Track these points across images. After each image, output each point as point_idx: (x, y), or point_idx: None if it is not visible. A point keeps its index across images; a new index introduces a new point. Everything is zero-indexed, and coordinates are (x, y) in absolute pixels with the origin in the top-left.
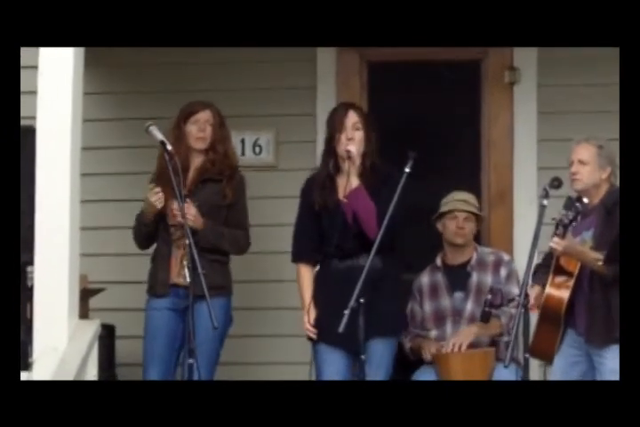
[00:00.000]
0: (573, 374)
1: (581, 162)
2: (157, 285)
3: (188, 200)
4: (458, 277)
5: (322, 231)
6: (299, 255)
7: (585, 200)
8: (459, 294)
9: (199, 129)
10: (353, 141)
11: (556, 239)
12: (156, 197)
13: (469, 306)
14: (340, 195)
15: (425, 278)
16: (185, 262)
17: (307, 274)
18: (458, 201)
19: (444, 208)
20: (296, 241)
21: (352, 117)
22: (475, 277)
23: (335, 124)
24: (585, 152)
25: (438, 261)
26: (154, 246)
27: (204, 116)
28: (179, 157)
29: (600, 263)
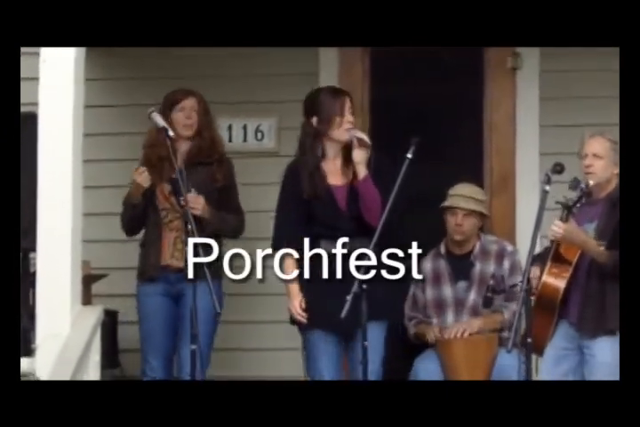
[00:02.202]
0: (563, 367)
1: (596, 156)
2: (149, 268)
3: (193, 190)
4: (461, 266)
5: (311, 218)
6: (283, 242)
7: (591, 182)
8: (462, 284)
9: (186, 116)
10: (355, 129)
11: (557, 222)
12: (142, 177)
13: (472, 296)
14: (330, 179)
15: (428, 264)
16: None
17: (291, 260)
18: (460, 196)
19: (445, 203)
20: (279, 228)
21: (348, 102)
22: (478, 267)
23: (336, 108)
24: (599, 146)
25: (442, 248)
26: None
27: (189, 103)
28: (165, 144)
29: (601, 248)
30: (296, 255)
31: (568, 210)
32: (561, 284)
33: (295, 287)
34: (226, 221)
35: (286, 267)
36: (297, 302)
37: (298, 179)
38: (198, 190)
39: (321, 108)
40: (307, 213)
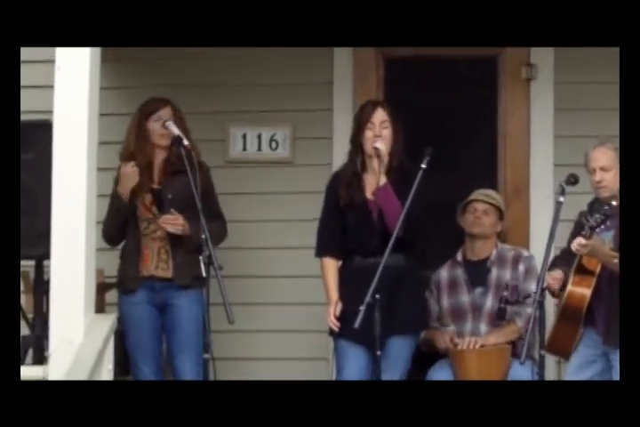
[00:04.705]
0: (587, 374)
1: (603, 169)
2: (127, 280)
3: (172, 210)
4: (478, 273)
5: (346, 228)
6: (324, 250)
7: (614, 203)
8: (478, 290)
9: (162, 126)
10: (381, 139)
11: (580, 239)
12: (133, 170)
13: (489, 302)
14: (367, 192)
15: (444, 273)
16: (201, 257)
17: (332, 268)
18: (480, 194)
19: (465, 202)
20: (321, 236)
21: (380, 115)
22: (494, 273)
23: (363, 121)
24: (604, 158)
25: (459, 256)
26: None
27: (166, 113)
28: (142, 154)
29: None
30: (335, 263)
31: (592, 230)
32: (586, 292)
33: (334, 294)
34: (210, 231)
35: (327, 275)
36: (332, 310)
37: (337, 188)
38: (179, 198)
39: (354, 121)
40: (345, 222)
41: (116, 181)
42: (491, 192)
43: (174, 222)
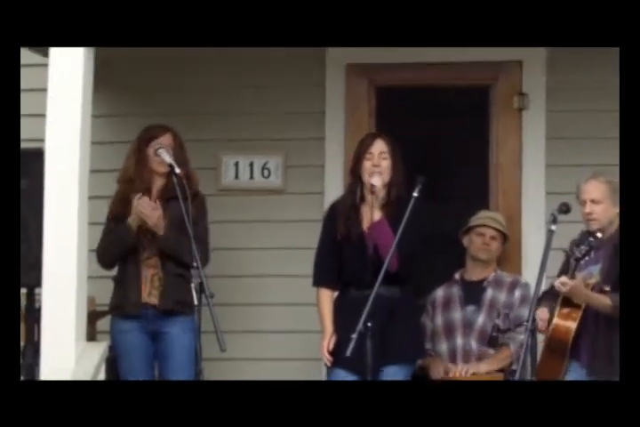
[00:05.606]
0: None
1: (594, 201)
2: (128, 305)
3: (157, 202)
4: (473, 292)
5: (342, 259)
6: (320, 280)
7: (599, 235)
8: (471, 307)
9: (155, 153)
10: (379, 169)
11: (564, 280)
12: (157, 213)
13: (481, 319)
14: (364, 225)
15: (440, 292)
16: (193, 285)
17: (327, 299)
18: (488, 218)
19: (473, 222)
20: (317, 266)
21: (379, 146)
22: (489, 293)
23: (362, 152)
24: (595, 191)
25: (457, 276)
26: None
27: (165, 140)
28: (141, 180)
29: (606, 301)
30: (331, 294)
31: (577, 261)
32: (572, 325)
33: (328, 327)
34: (184, 245)
35: (322, 306)
36: (325, 343)
37: (335, 219)
38: (174, 222)
39: (354, 153)
40: (342, 253)
41: (114, 205)
42: (496, 215)
43: (152, 208)
